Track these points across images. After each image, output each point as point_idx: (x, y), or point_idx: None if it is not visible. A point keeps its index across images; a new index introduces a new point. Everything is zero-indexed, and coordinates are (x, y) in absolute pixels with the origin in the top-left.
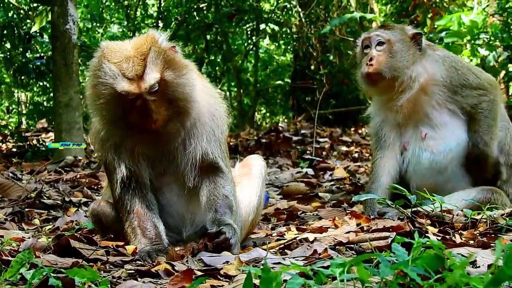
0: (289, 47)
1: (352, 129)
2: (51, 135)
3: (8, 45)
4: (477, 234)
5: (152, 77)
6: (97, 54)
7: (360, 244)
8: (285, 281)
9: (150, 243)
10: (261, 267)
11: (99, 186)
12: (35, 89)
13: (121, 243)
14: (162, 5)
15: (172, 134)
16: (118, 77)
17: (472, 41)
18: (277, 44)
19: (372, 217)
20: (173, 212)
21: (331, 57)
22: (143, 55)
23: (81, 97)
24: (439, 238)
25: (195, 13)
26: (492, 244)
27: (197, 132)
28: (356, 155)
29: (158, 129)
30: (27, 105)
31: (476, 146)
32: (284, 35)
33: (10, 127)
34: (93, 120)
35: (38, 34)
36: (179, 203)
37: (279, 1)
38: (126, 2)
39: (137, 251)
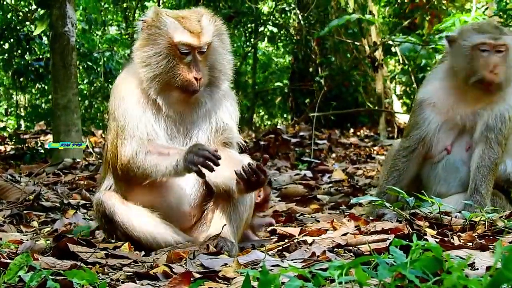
0: (287, 49)
1: (351, 131)
2: (50, 137)
3: (6, 47)
4: (476, 236)
5: (209, 34)
6: (150, 12)
7: (359, 246)
8: (283, 283)
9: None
10: (260, 269)
11: (97, 188)
12: (33, 91)
13: (119, 244)
14: (160, 7)
15: (201, 102)
16: (178, 29)
17: None
18: (275, 46)
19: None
20: (177, 185)
21: (332, 59)
22: (198, 17)
23: (79, 99)
24: (438, 240)
25: None
26: (491, 246)
27: (221, 108)
28: (354, 157)
29: (198, 90)
30: (26, 107)
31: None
32: (282, 37)
33: (8, 129)
34: (138, 70)
35: (37, 36)
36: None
37: (278, 3)
38: (124, 5)
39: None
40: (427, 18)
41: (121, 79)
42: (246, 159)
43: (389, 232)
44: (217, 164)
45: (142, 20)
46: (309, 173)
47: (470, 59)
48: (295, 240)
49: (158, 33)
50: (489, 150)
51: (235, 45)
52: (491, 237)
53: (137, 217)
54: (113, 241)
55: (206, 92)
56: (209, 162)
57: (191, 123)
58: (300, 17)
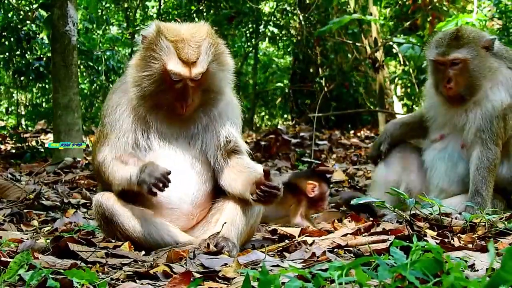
0: (288, 50)
1: (351, 132)
2: (50, 136)
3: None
4: (476, 238)
5: (203, 65)
6: (151, 29)
7: (359, 247)
8: (283, 283)
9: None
10: (260, 269)
11: (97, 187)
12: (34, 90)
13: (119, 243)
14: (162, 7)
15: (196, 119)
16: (172, 56)
17: None
18: (276, 47)
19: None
20: (179, 183)
21: (332, 58)
22: (199, 42)
23: (80, 98)
24: (438, 241)
25: (194, 15)
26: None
27: (222, 119)
28: (355, 158)
29: (184, 114)
30: (26, 106)
31: None
32: (283, 38)
33: (8, 128)
34: (129, 88)
35: (37, 35)
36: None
37: (279, 4)
38: (126, 4)
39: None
40: (428, 19)
41: (116, 89)
42: (259, 168)
43: (389, 233)
44: (166, 186)
45: (142, 35)
46: None
47: (431, 72)
48: (295, 241)
49: (153, 56)
50: (486, 151)
51: (236, 45)
52: (491, 239)
53: (136, 218)
54: (113, 240)
55: (200, 111)
56: (160, 184)
57: (191, 136)
58: (301, 18)
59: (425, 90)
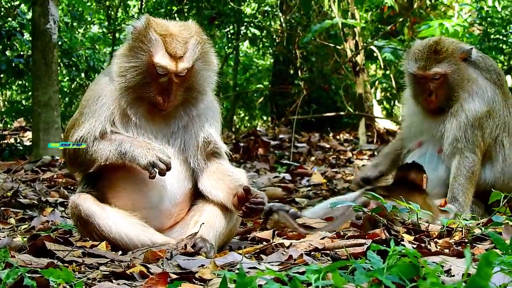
0: (269, 51)
1: (331, 135)
2: (29, 134)
3: None
4: (453, 243)
5: (189, 61)
6: (141, 22)
7: (336, 250)
8: (260, 286)
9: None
10: (237, 271)
11: (75, 186)
12: (14, 87)
13: (96, 243)
14: (143, 6)
15: (176, 116)
16: (160, 49)
17: None
18: (257, 48)
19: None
20: (159, 182)
21: (313, 61)
22: (186, 38)
23: (60, 96)
24: (415, 246)
25: (176, 15)
26: None
27: (202, 120)
28: (333, 161)
29: (165, 110)
30: (5, 103)
31: None
32: (264, 39)
33: None
34: (113, 78)
35: (18, 32)
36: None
37: (261, 6)
38: (107, 3)
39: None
40: (407, 24)
41: (99, 80)
42: (239, 174)
43: (366, 237)
44: (164, 174)
45: (132, 26)
46: (288, 176)
47: (410, 84)
48: (273, 243)
49: (141, 48)
50: (463, 160)
51: (217, 46)
52: (468, 244)
53: (112, 219)
54: (90, 240)
55: (181, 109)
56: (164, 170)
57: (170, 134)
58: (282, 20)
59: (404, 98)
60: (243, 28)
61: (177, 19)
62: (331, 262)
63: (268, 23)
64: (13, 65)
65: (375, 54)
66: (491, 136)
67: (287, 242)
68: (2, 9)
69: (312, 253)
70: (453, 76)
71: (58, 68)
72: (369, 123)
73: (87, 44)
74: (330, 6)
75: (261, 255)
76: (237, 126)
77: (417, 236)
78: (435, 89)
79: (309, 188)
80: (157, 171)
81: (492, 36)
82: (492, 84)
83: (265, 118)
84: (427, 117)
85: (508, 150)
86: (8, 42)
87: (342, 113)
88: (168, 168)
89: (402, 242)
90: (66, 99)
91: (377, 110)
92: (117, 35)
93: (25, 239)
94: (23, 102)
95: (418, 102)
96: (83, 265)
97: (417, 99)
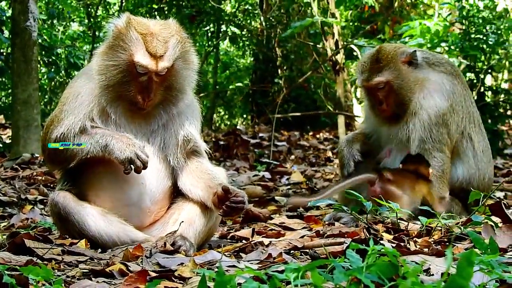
0: (249, 50)
1: (310, 133)
2: (8, 131)
3: None
4: (432, 242)
5: (170, 60)
6: (121, 20)
7: (315, 249)
8: (239, 284)
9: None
10: (216, 269)
11: (55, 184)
12: None
13: (76, 241)
14: (123, 4)
15: (156, 115)
16: (140, 48)
17: (433, 49)
18: (237, 47)
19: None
20: (139, 180)
21: (292, 59)
22: (167, 38)
23: (39, 94)
24: (394, 245)
25: (156, 13)
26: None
27: (181, 119)
28: (313, 159)
29: (146, 108)
30: None
31: None
32: (244, 38)
33: None
34: (93, 76)
35: None
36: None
37: (241, 4)
38: (88, 1)
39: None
40: (388, 24)
41: (79, 77)
42: (220, 174)
43: (346, 236)
44: (139, 172)
45: (113, 24)
46: (267, 175)
47: (364, 96)
48: (252, 242)
49: (122, 46)
50: (432, 160)
51: (197, 44)
52: (447, 243)
53: (92, 216)
54: (69, 238)
55: (161, 108)
56: (141, 167)
57: (150, 133)
58: (262, 19)
59: (364, 111)
60: (223, 26)
61: (158, 17)
62: (310, 260)
63: (248, 21)
64: None
65: (355, 53)
66: (458, 131)
67: (266, 241)
68: None
69: (292, 251)
70: (397, 82)
71: (38, 65)
72: (349, 122)
73: (67, 42)
74: (310, 4)
75: (240, 254)
76: (217, 125)
77: (396, 235)
78: (384, 98)
79: (288, 187)
80: (133, 168)
81: (472, 36)
82: (449, 76)
83: (245, 116)
84: (388, 125)
85: (477, 143)
86: None
87: (321, 111)
88: (145, 166)
89: (382, 241)
90: (46, 96)
91: (357, 109)
92: (97, 33)
93: (4, 236)
94: (3, 99)
95: (374, 112)
96: (62, 263)
97: (373, 109)
